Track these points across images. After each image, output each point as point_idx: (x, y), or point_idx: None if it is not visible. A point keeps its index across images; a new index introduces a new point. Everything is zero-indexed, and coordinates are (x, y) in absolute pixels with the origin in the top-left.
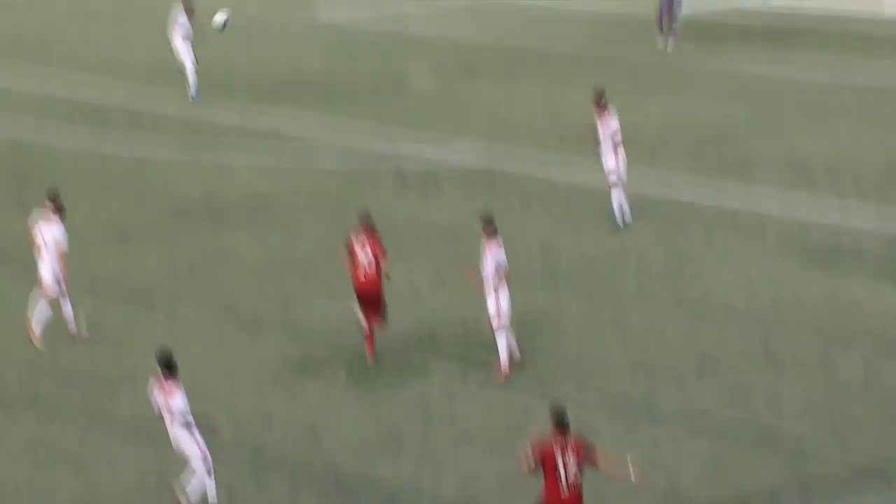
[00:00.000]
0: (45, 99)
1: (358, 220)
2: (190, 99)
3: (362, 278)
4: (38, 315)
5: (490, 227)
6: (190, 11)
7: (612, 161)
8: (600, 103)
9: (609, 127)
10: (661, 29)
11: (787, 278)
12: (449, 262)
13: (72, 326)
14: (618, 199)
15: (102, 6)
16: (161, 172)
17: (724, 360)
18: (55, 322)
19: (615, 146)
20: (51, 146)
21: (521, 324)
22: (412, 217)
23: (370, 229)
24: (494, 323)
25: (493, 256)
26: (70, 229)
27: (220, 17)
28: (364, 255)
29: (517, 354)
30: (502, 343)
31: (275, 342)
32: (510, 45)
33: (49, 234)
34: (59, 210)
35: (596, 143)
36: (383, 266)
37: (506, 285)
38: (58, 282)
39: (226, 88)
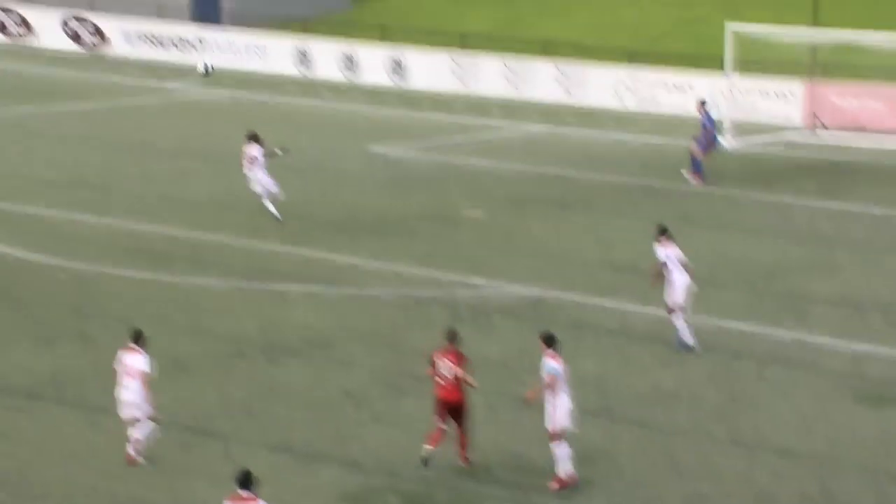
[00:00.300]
0: (106, 231)
1: (445, 337)
2: (278, 219)
3: (446, 390)
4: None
5: (549, 342)
6: (257, 140)
7: (677, 287)
8: (663, 235)
9: (673, 256)
10: (697, 164)
11: (842, 416)
12: (501, 394)
13: (133, 450)
14: (683, 323)
15: (161, 140)
16: (218, 305)
17: (779, 500)
18: (111, 449)
19: (680, 273)
20: (110, 278)
21: (573, 456)
22: (464, 350)
23: (454, 347)
24: (551, 429)
25: (551, 365)
26: None
27: (201, 65)
28: (447, 368)
29: (571, 471)
30: (559, 452)
31: (331, 475)
32: (560, 176)
33: (131, 361)
34: (140, 339)
35: (658, 273)
36: (468, 379)
37: (562, 394)
38: (137, 407)
39: (276, 221)
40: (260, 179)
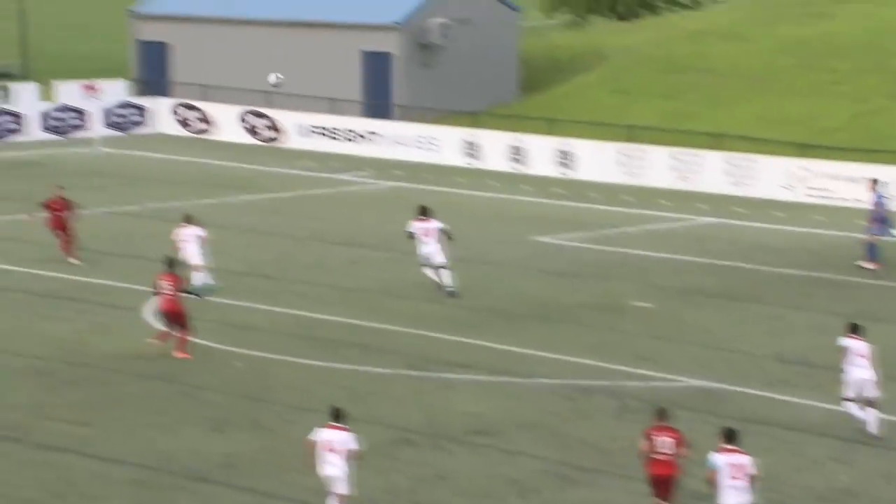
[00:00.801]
0: (280, 319)
1: (655, 415)
2: (449, 293)
3: (663, 465)
4: None
5: (728, 437)
6: (429, 213)
7: (857, 378)
8: (853, 331)
9: (859, 350)
10: (872, 249)
11: None
12: None
13: None
14: (861, 412)
15: (334, 230)
16: (385, 391)
17: None
18: None
19: (861, 364)
20: (282, 364)
21: None
22: (634, 444)
23: (667, 423)
24: None
25: (715, 460)
26: (297, 444)
27: (273, 77)
28: (666, 444)
29: None
30: None
31: None
32: (729, 267)
33: (334, 437)
34: (341, 417)
35: (847, 362)
36: (681, 451)
37: (728, 489)
38: (341, 482)
39: (443, 308)
40: (429, 251)
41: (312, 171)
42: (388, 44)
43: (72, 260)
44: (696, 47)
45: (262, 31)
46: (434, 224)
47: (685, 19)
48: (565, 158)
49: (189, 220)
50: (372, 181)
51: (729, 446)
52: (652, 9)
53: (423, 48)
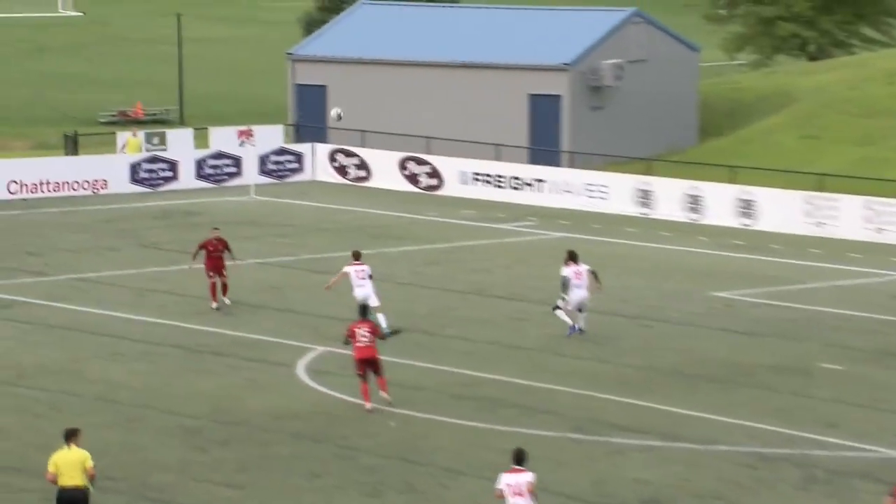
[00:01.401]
0: (436, 376)
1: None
2: (572, 332)
3: None
4: None
5: None
6: (574, 259)
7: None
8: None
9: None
10: None
11: None
12: None
13: None
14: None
15: (495, 283)
16: (548, 455)
17: None
18: None
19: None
20: (438, 425)
21: None
22: None
23: None
24: None
25: None
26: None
27: (335, 112)
28: None
29: None
30: None
31: None
32: None
33: (520, 479)
34: (523, 460)
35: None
36: None
37: None
38: None
39: (612, 368)
40: (580, 296)
41: (474, 220)
42: (556, 86)
43: (224, 300)
44: (893, 89)
45: (423, 73)
46: (584, 267)
47: (881, 58)
48: (747, 207)
49: (358, 256)
50: (537, 231)
51: None
52: (845, 47)
53: (594, 90)
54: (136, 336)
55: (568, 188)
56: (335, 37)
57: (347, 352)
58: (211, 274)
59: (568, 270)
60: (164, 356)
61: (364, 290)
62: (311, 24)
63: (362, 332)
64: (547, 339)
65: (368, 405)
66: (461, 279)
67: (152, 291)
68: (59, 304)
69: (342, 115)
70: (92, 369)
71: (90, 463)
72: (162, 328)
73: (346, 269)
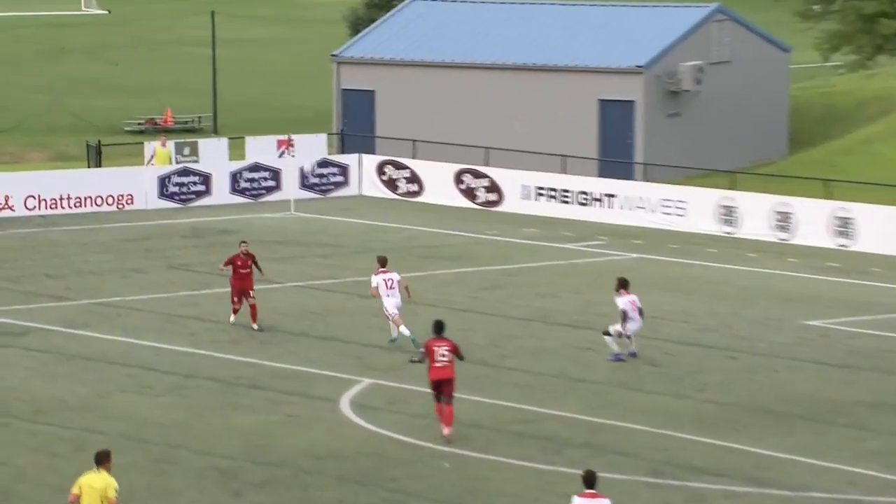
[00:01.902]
0: (494, 413)
1: None
2: (631, 354)
3: None
4: None
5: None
6: (626, 286)
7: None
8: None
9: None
10: None
11: None
12: None
13: None
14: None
15: (559, 308)
16: (621, 500)
17: None
18: None
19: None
20: (497, 465)
21: None
22: None
23: None
24: None
25: None
26: None
27: (308, 165)
28: None
29: None
30: None
31: None
32: None
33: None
34: (593, 483)
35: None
36: None
37: None
38: None
39: (691, 405)
40: (632, 326)
41: (537, 239)
42: (630, 91)
43: (253, 326)
44: None
45: (481, 77)
46: (634, 296)
47: None
48: (844, 226)
49: (384, 262)
50: (607, 252)
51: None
52: None
53: (672, 96)
54: (165, 367)
55: (641, 204)
56: (384, 36)
57: (396, 384)
58: (236, 300)
59: (623, 301)
60: (195, 389)
61: (395, 301)
62: (358, 23)
63: (441, 352)
64: (617, 371)
65: (447, 430)
66: (523, 305)
67: (182, 317)
68: (80, 332)
69: (313, 167)
70: (116, 404)
71: (112, 493)
72: (193, 358)
73: (374, 279)
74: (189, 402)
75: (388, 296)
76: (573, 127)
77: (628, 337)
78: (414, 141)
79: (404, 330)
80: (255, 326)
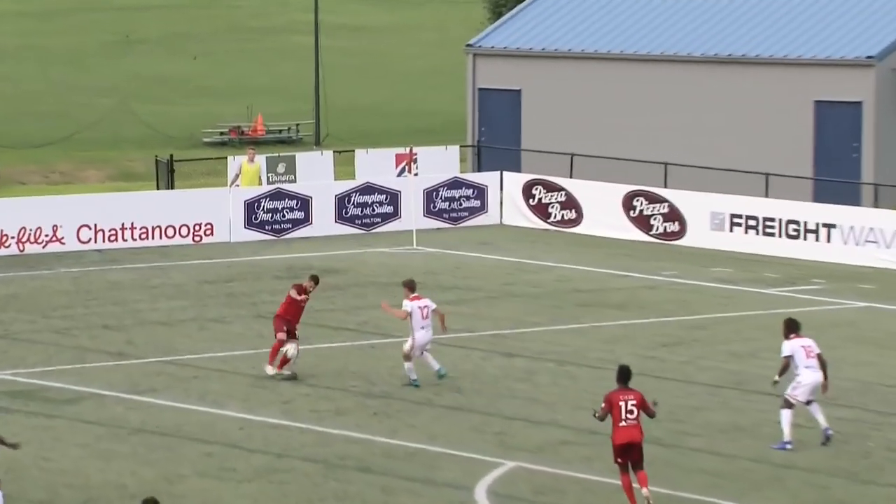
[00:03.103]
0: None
1: None
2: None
3: None
4: None
5: None
6: (796, 329)
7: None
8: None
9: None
10: None
11: None
12: None
13: None
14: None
15: (761, 372)
16: None
17: None
18: None
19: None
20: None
21: None
22: None
23: None
24: None
25: None
26: None
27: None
28: None
29: None
30: None
31: None
32: None
33: None
34: None
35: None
36: None
37: None
38: None
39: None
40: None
41: (731, 282)
42: (856, 89)
43: (283, 372)
44: None
45: (657, 72)
46: (810, 341)
47: None
48: None
49: (414, 287)
50: (826, 299)
51: None
52: None
53: None
54: (252, 444)
55: (872, 237)
56: (535, 21)
57: (548, 468)
58: (280, 336)
59: (791, 346)
60: (290, 473)
61: (427, 335)
62: (501, 6)
63: (629, 407)
64: (840, 454)
65: (646, 491)
66: (712, 367)
67: (274, 381)
68: (144, 398)
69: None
70: (191, 491)
71: None
72: (288, 433)
73: (408, 305)
74: (283, 488)
75: (422, 328)
76: (780, 137)
77: (807, 402)
78: (572, 155)
79: (423, 365)
80: (284, 373)
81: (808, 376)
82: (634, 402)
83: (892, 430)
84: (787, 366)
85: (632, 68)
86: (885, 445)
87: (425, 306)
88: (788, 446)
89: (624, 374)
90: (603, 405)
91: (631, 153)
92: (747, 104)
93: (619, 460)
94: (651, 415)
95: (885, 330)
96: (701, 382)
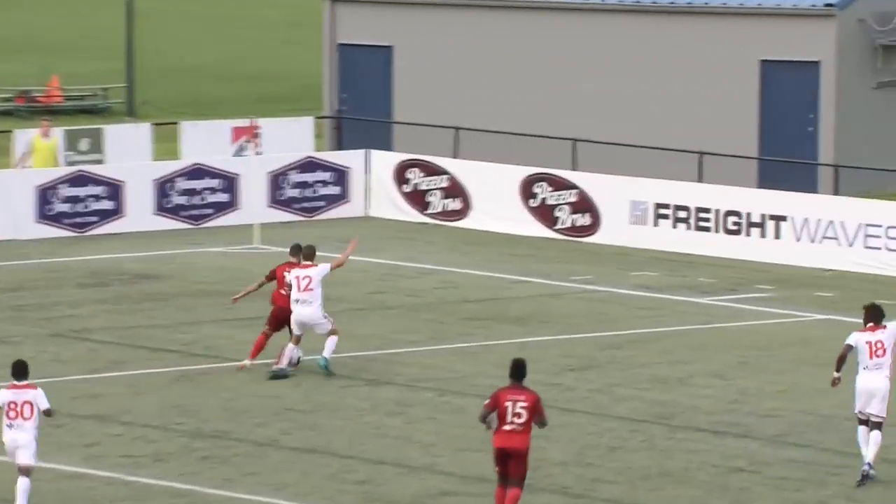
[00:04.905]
0: None
1: None
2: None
3: None
4: None
5: None
6: (877, 317)
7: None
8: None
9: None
10: None
11: None
12: None
13: None
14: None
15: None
16: None
17: None
18: None
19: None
20: None
21: None
22: None
23: None
24: None
25: None
26: None
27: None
28: None
29: None
30: None
31: None
32: None
33: None
34: None
35: None
36: None
37: None
38: None
39: None
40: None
41: (656, 289)
42: (813, 47)
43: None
44: None
45: (568, 27)
46: (891, 332)
47: None
48: None
49: (309, 255)
50: (774, 310)
51: None
52: None
53: (885, 55)
54: (43, 500)
55: (831, 232)
56: None
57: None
58: (267, 329)
59: (858, 338)
60: None
61: (307, 311)
62: None
63: (517, 409)
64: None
65: None
66: (632, 397)
67: (76, 418)
68: None
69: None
70: None
71: None
72: (90, 484)
73: (288, 276)
74: None
75: (300, 302)
76: (717, 107)
77: (866, 423)
78: (457, 129)
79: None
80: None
81: (867, 381)
82: (525, 404)
83: (854, 474)
84: (843, 359)
85: (532, 21)
86: (844, 494)
87: (307, 276)
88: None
89: (518, 370)
90: (487, 401)
91: (531, 127)
92: (676, 66)
93: (498, 468)
94: (543, 424)
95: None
96: (618, 416)
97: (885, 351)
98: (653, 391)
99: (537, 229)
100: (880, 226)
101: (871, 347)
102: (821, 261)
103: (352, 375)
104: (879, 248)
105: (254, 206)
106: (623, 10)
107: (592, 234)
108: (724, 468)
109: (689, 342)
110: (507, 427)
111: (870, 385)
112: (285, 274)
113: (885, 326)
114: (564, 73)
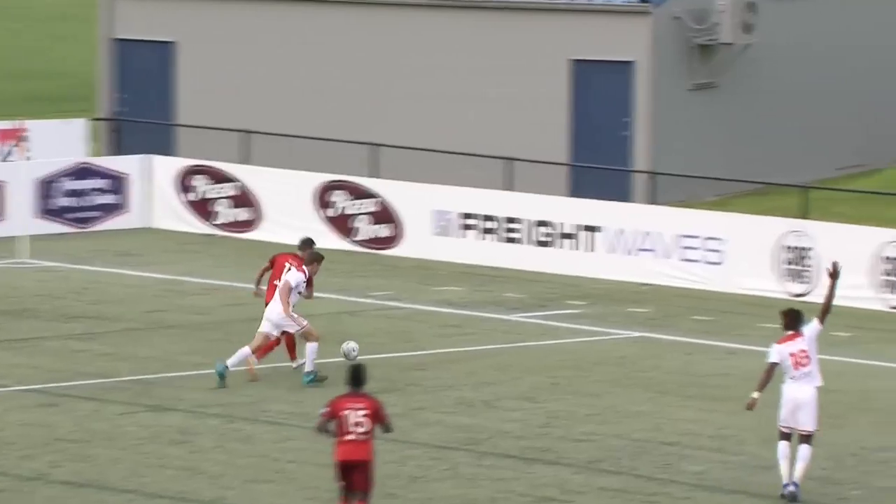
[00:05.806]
0: None
1: None
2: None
3: None
4: None
5: None
6: (795, 322)
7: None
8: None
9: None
10: None
11: None
12: None
13: None
14: None
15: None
16: None
17: None
18: None
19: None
20: None
21: None
22: None
23: None
24: None
25: None
26: None
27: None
28: None
29: None
30: None
31: None
32: None
33: None
34: None
35: None
36: None
37: None
38: None
39: None
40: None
41: (460, 306)
42: (627, 46)
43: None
44: None
45: (366, 23)
46: (809, 335)
47: None
48: None
49: (309, 251)
50: (586, 327)
51: None
52: None
53: (702, 54)
54: None
55: (647, 244)
56: None
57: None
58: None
59: (781, 351)
60: None
61: (271, 309)
62: None
63: (355, 417)
64: None
65: None
66: (435, 422)
67: None
68: None
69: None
70: None
71: None
72: None
73: (288, 277)
74: None
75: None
76: (525, 109)
77: (788, 437)
78: (247, 132)
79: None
80: (292, 365)
81: (792, 391)
82: (366, 411)
83: (670, 502)
84: (769, 372)
85: (328, 16)
86: None
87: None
88: (787, 490)
89: (356, 377)
90: (324, 410)
91: (328, 131)
92: (481, 66)
93: (341, 482)
94: (387, 429)
95: (664, 368)
96: (420, 442)
97: (809, 359)
98: (458, 415)
99: (334, 241)
100: (698, 237)
101: (795, 359)
102: (636, 274)
103: (130, 401)
104: (697, 261)
105: (21, 217)
106: (422, 5)
107: (393, 246)
108: (533, 497)
109: (496, 362)
110: (347, 438)
111: (797, 395)
112: (285, 264)
113: (802, 333)
114: (364, 73)
